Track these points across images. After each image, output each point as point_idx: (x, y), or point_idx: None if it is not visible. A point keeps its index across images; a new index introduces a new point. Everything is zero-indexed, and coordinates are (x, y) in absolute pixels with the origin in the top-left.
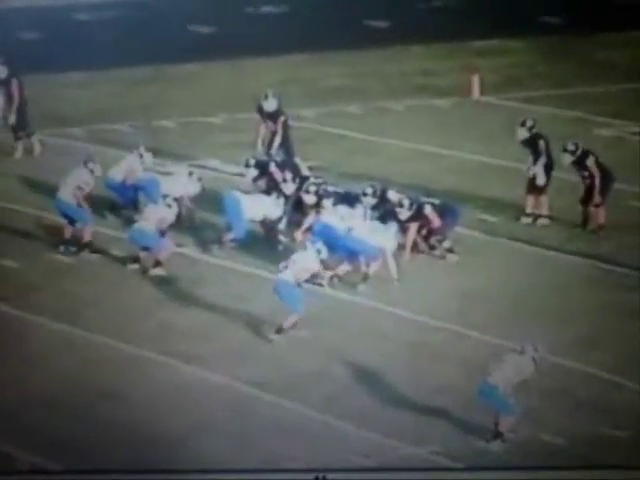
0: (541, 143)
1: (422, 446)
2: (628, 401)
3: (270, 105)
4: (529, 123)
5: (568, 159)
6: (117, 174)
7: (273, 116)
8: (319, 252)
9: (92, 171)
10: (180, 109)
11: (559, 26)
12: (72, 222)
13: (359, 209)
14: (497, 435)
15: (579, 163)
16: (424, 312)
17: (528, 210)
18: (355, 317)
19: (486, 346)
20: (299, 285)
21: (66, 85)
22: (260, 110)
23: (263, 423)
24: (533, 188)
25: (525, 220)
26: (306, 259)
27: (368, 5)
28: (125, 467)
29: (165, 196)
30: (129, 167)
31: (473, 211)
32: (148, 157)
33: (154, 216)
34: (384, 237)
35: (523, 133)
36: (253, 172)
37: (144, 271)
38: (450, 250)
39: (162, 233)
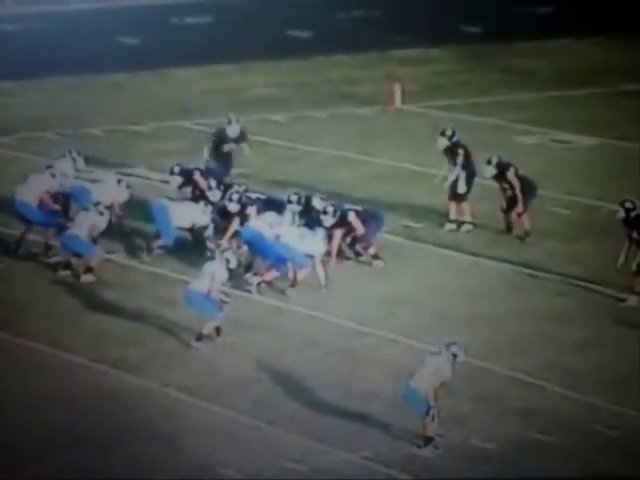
0: (460, 152)
1: (354, 451)
2: (554, 406)
3: (233, 130)
4: (449, 132)
5: (490, 172)
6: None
7: (237, 141)
8: (228, 261)
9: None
10: (107, 118)
11: (479, 35)
12: (28, 223)
13: (287, 216)
14: (428, 441)
15: (499, 175)
16: (351, 317)
17: (452, 217)
18: (283, 323)
19: (413, 351)
20: (211, 294)
21: None
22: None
23: (193, 428)
24: (455, 195)
25: (449, 226)
26: (215, 268)
27: (291, 15)
28: (53, 473)
29: (96, 204)
30: (61, 171)
31: (397, 218)
32: (80, 161)
33: (86, 223)
34: (312, 244)
35: (443, 142)
36: (177, 179)
37: (75, 277)
38: (376, 256)
39: (93, 240)
